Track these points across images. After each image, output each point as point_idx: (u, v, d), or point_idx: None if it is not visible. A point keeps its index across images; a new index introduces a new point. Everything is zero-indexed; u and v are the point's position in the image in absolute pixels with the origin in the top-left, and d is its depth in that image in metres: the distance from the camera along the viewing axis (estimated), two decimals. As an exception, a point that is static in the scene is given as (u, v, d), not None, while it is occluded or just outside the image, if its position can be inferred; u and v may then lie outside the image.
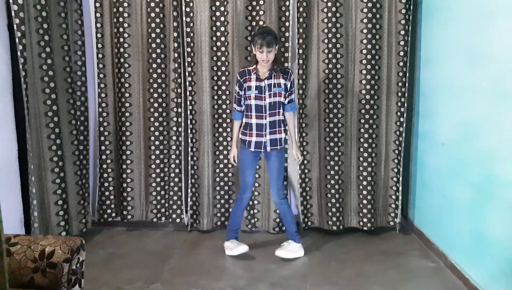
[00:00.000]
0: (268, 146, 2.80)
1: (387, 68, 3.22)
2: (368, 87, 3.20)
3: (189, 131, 3.31)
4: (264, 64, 2.70)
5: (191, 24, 3.20)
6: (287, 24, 3.16)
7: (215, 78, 3.27)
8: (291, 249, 2.95)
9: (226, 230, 3.34)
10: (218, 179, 3.39)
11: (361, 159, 3.29)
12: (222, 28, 3.20)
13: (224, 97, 3.29)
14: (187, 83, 3.26)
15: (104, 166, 3.39)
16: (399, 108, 3.24)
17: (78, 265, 1.68)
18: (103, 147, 3.37)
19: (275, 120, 2.79)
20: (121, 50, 3.25)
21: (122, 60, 3.26)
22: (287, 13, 3.15)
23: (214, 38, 3.22)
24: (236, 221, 2.99)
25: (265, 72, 2.76)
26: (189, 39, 3.21)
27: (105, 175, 3.40)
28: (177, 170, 3.35)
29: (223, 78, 3.27)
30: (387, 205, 3.38)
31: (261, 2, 3.14)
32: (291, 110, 2.86)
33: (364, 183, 3.30)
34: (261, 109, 2.76)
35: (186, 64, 3.23)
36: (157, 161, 3.39)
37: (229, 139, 3.30)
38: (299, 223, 3.39)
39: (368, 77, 3.19)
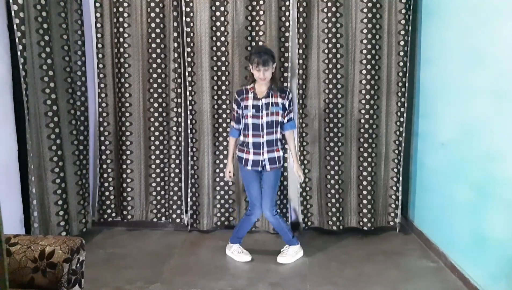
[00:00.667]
0: (267, 165, 2.77)
1: (387, 68, 3.22)
2: (368, 87, 3.20)
3: (189, 131, 3.31)
4: (262, 82, 2.70)
5: (191, 24, 3.20)
6: (287, 24, 3.16)
7: (215, 78, 3.27)
8: (291, 253, 2.95)
9: (226, 230, 3.35)
10: (218, 179, 3.39)
11: (361, 159, 3.29)
12: (222, 28, 3.20)
13: (224, 97, 3.29)
14: (187, 83, 3.26)
15: (104, 166, 3.39)
16: (399, 108, 3.24)
17: (78, 265, 1.68)
18: (103, 147, 3.37)
19: (272, 139, 2.77)
20: (121, 50, 3.25)
21: (122, 60, 3.26)
22: (287, 13, 3.15)
23: (214, 38, 3.22)
24: (243, 231, 2.98)
25: (263, 91, 2.74)
26: (189, 39, 3.21)
27: (105, 175, 3.40)
28: (177, 170, 3.35)
29: (223, 78, 3.27)
30: (387, 205, 3.38)
31: (261, 2, 3.14)
32: (290, 129, 2.82)
33: (364, 183, 3.30)
34: (258, 127, 2.74)
35: (186, 64, 3.23)
36: (157, 161, 3.39)
37: (229, 139, 3.30)
38: (298, 223, 3.39)
39: (368, 77, 3.19)
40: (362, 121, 3.25)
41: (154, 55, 3.24)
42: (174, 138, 3.32)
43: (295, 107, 3.18)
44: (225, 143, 3.35)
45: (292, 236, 2.95)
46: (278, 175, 2.88)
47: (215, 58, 3.24)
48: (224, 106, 3.31)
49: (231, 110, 3.25)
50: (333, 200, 3.30)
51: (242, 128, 2.81)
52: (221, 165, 3.38)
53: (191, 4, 3.16)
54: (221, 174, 3.39)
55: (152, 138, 3.35)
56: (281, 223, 2.90)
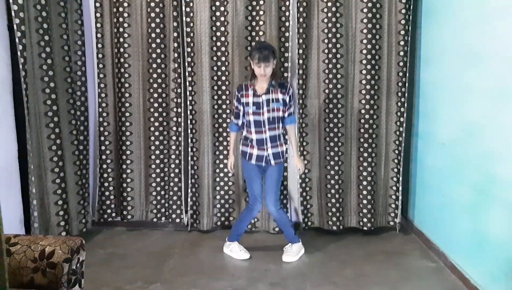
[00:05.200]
0: (272, 160, 2.79)
1: (387, 68, 3.22)
2: (368, 87, 3.20)
3: (189, 131, 3.31)
4: (262, 79, 2.71)
5: (191, 24, 3.20)
6: (287, 24, 3.16)
7: (215, 78, 3.27)
8: (295, 251, 2.96)
9: (226, 230, 3.35)
10: (218, 179, 3.39)
11: (361, 159, 3.29)
12: (222, 28, 3.20)
13: (224, 97, 3.29)
14: (187, 83, 3.26)
15: (104, 166, 3.39)
16: (399, 108, 3.24)
17: (78, 265, 1.68)
18: (103, 147, 3.37)
19: (275, 134, 2.78)
20: (121, 50, 3.25)
21: (122, 60, 3.26)
22: (287, 13, 3.15)
23: (214, 38, 3.22)
24: (242, 227, 2.98)
25: (263, 87, 2.75)
26: (189, 39, 3.21)
27: (105, 175, 3.40)
28: (177, 170, 3.35)
29: (223, 78, 3.27)
30: (387, 205, 3.38)
31: (261, 2, 3.14)
32: (291, 123, 2.84)
33: (364, 183, 3.30)
34: (260, 124, 2.76)
35: (186, 64, 3.23)
36: (157, 161, 3.39)
37: (229, 139, 3.31)
38: (299, 223, 3.39)
39: (368, 77, 3.19)
40: (362, 121, 3.25)
41: (154, 55, 3.24)
42: (174, 138, 3.32)
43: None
44: (225, 143, 3.35)
45: (294, 232, 2.97)
46: (282, 170, 2.90)
47: (215, 58, 3.24)
48: (224, 106, 3.31)
49: (231, 110, 3.26)
50: (333, 200, 3.30)
51: (245, 125, 2.83)
52: (221, 165, 3.38)
53: (191, 4, 3.16)
54: (221, 174, 3.39)
55: (152, 138, 3.36)
56: (285, 218, 2.92)
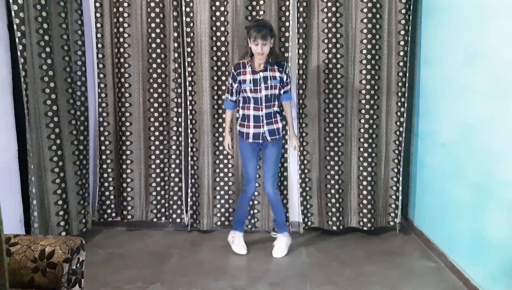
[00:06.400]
0: (268, 137, 2.85)
1: (387, 68, 3.22)
2: (368, 87, 3.20)
3: (189, 131, 3.31)
4: (260, 57, 2.72)
5: (191, 24, 3.20)
6: (287, 24, 3.16)
7: (215, 78, 3.27)
8: (284, 245, 3.00)
9: (226, 230, 3.35)
10: (218, 179, 3.39)
11: (361, 159, 3.29)
12: (222, 28, 3.20)
13: (224, 97, 3.29)
14: (187, 83, 3.26)
15: (104, 166, 3.39)
16: (399, 108, 3.24)
17: (78, 265, 1.68)
18: (103, 147, 3.37)
19: (270, 112, 2.85)
20: (121, 50, 3.25)
21: (122, 60, 3.26)
22: (287, 13, 3.15)
23: (214, 38, 3.22)
24: (241, 212, 3.03)
25: (261, 64, 2.78)
26: (189, 39, 3.21)
27: (105, 175, 3.40)
28: (177, 170, 3.35)
29: (223, 78, 3.27)
30: (387, 205, 3.38)
31: (261, 2, 3.14)
32: (287, 100, 2.92)
33: (364, 183, 3.30)
34: (257, 101, 2.81)
35: (186, 64, 3.24)
36: (157, 161, 3.39)
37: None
38: (298, 223, 3.39)
39: (368, 77, 3.19)
40: (362, 121, 3.25)
41: (154, 55, 3.24)
42: (174, 138, 3.32)
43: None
44: (225, 143, 3.35)
45: (286, 219, 3.01)
46: (280, 148, 2.96)
47: (215, 58, 3.24)
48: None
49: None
50: (333, 200, 3.30)
51: (242, 102, 2.87)
52: (221, 165, 3.38)
53: (191, 4, 3.16)
54: (221, 174, 3.39)
55: (152, 138, 3.36)
56: (279, 201, 2.98)
